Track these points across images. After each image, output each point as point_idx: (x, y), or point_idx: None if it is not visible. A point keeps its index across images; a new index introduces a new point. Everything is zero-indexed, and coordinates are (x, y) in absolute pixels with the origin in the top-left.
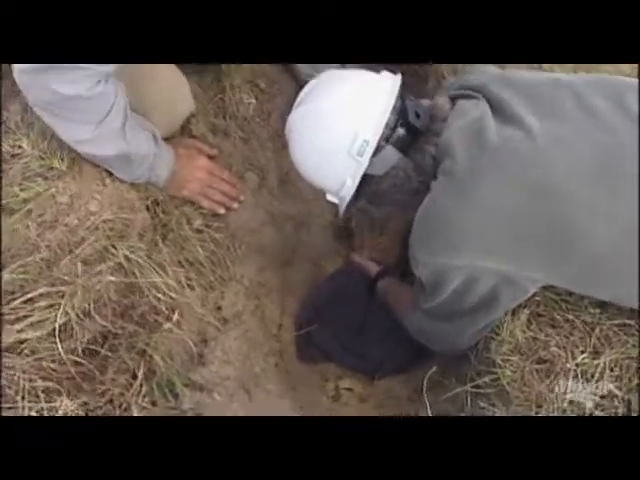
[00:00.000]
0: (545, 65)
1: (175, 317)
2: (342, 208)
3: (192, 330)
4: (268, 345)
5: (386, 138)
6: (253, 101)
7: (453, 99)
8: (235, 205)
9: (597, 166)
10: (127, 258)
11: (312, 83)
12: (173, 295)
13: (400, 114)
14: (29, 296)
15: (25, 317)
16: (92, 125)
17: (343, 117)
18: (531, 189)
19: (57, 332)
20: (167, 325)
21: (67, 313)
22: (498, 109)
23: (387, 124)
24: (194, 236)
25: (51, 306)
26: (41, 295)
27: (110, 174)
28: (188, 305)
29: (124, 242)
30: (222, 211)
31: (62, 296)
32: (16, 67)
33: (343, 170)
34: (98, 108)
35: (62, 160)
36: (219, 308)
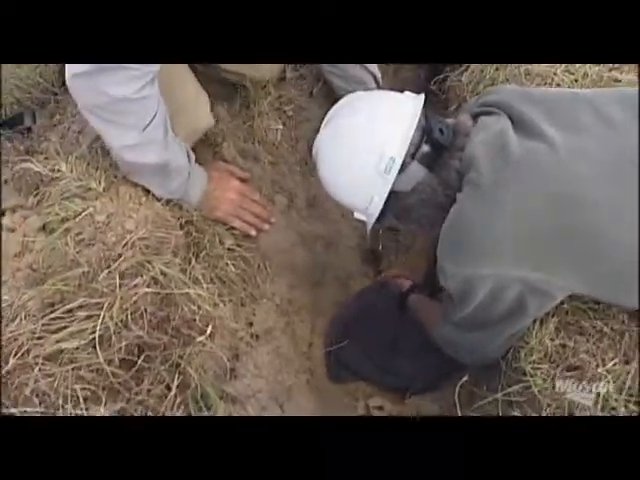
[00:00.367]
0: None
1: (209, 330)
2: (370, 224)
3: (224, 345)
4: (299, 362)
5: (412, 155)
6: (280, 127)
7: (475, 116)
8: (266, 227)
9: (619, 174)
10: (162, 272)
11: (338, 104)
12: (207, 308)
13: (424, 131)
14: (68, 307)
15: (65, 328)
16: (137, 130)
17: (369, 135)
18: (554, 199)
19: (97, 342)
20: (200, 338)
21: (106, 324)
22: (519, 123)
23: (412, 141)
24: (226, 255)
25: (89, 317)
26: (80, 307)
27: (146, 193)
28: (221, 320)
29: (159, 258)
30: (253, 232)
31: (101, 307)
32: (69, 71)
33: (370, 187)
34: (144, 112)
35: (99, 182)
36: (250, 324)
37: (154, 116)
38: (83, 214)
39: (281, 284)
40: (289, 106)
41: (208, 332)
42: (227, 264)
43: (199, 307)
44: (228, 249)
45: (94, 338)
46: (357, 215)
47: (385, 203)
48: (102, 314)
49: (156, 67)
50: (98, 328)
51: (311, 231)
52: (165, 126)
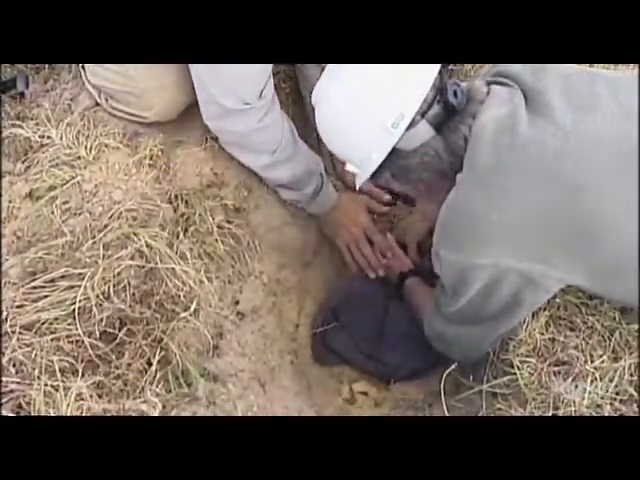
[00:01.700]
0: None
1: (193, 307)
2: (362, 179)
3: (209, 322)
4: (284, 342)
5: (422, 113)
6: None
7: (488, 84)
8: (372, 275)
9: (630, 166)
10: (148, 245)
11: None
12: (192, 284)
13: (439, 91)
14: (50, 276)
15: (45, 297)
16: (268, 154)
17: (381, 86)
18: (559, 187)
19: (76, 313)
20: (184, 314)
21: (87, 295)
22: (532, 99)
23: (425, 99)
24: (215, 231)
25: (71, 287)
26: (62, 277)
27: (137, 164)
28: (206, 297)
29: (146, 230)
30: (354, 269)
31: (82, 278)
32: (203, 117)
33: (372, 142)
34: (270, 138)
35: (89, 150)
36: (237, 302)
37: (281, 139)
38: (70, 182)
39: (270, 263)
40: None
41: (192, 308)
42: (216, 240)
43: (184, 283)
44: (218, 226)
45: (74, 309)
46: (349, 167)
47: (384, 159)
48: (83, 284)
49: (268, 99)
50: (78, 299)
51: (302, 211)
52: (294, 143)
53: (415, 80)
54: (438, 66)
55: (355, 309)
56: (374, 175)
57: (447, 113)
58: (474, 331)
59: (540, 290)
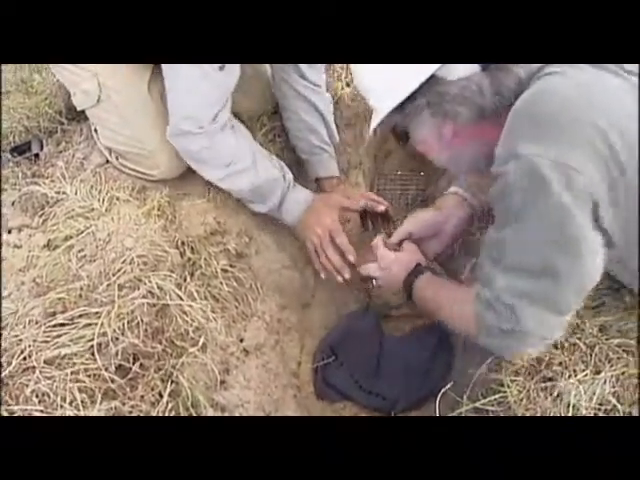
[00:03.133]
0: None
1: (200, 343)
2: (388, 109)
3: (215, 358)
4: (287, 378)
5: None
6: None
7: None
8: (338, 278)
9: None
10: (158, 286)
11: None
12: (200, 320)
13: None
14: (69, 314)
15: (65, 334)
16: (221, 168)
17: None
18: None
19: (94, 348)
20: (192, 350)
21: (104, 331)
22: None
23: None
24: (220, 274)
25: (88, 325)
26: (80, 315)
27: (146, 215)
28: (212, 335)
29: (156, 273)
30: (322, 276)
31: (99, 316)
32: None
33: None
34: (221, 153)
35: (102, 203)
36: (241, 340)
37: (235, 152)
38: (85, 232)
39: (271, 304)
40: (282, 137)
41: (200, 344)
42: (221, 283)
43: (192, 320)
44: (222, 269)
45: (92, 345)
46: (373, 103)
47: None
48: (100, 321)
49: (221, 122)
50: (96, 335)
51: (301, 255)
52: (251, 155)
53: None
54: None
55: (352, 345)
56: (409, 100)
57: None
58: (539, 284)
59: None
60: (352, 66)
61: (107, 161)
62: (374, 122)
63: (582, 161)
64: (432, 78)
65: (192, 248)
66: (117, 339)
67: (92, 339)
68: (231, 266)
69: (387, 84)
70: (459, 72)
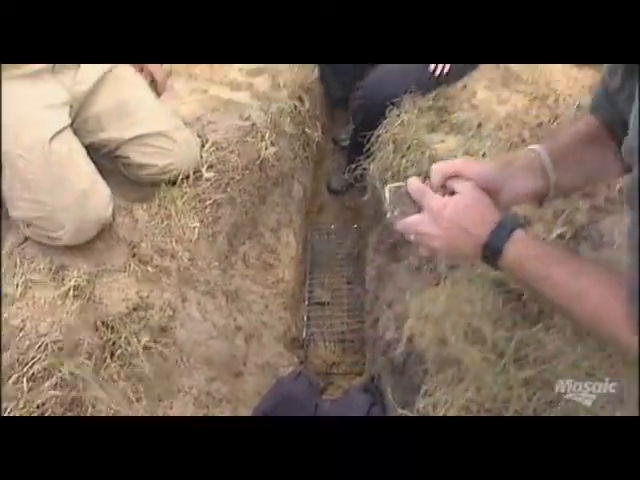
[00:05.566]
0: None
1: None
2: None
3: None
4: None
5: None
6: (197, 224)
7: None
8: None
9: None
10: (72, 374)
11: None
12: (120, 404)
13: None
14: None
15: None
16: None
17: None
18: None
19: None
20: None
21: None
22: None
23: None
24: (142, 352)
25: None
26: None
27: (62, 298)
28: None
29: (71, 360)
30: None
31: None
32: None
33: None
34: None
35: (16, 287)
36: None
37: None
38: None
39: (199, 377)
40: (205, 203)
41: None
42: (142, 361)
43: (109, 407)
44: (144, 347)
45: None
46: None
47: None
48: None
49: None
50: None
51: (228, 324)
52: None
53: None
54: None
55: (286, 411)
56: None
57: None
58: None
59: None
60: None
61: (25, 238)
62: None
63: None
64: None
65: (112, 328)
66: None
67: None
68: (155, 342)
69: None
70: None
